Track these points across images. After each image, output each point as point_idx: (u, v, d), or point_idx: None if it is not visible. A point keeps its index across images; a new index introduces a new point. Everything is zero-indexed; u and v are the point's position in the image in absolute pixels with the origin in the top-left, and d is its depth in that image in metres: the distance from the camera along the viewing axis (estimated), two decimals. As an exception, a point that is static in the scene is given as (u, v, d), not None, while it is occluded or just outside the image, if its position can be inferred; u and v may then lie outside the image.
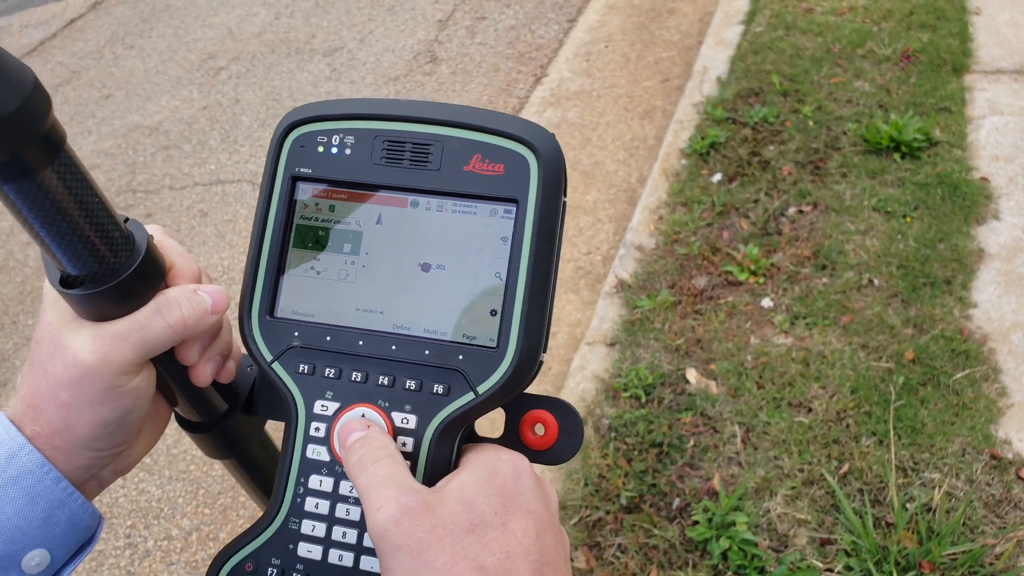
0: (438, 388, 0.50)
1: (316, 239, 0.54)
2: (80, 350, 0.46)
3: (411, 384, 0.50)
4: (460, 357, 0.50)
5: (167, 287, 0.50)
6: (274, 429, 0.61)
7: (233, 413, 0.59)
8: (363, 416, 0.50)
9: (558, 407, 0.53)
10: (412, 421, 0.50)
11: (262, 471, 0.65)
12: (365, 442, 0.47)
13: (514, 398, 0.53)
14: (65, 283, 0.46)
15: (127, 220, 0.49)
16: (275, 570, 0.51)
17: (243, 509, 2.28)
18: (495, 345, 0.50)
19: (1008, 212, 2.34)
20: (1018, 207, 2.34)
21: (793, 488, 1.83)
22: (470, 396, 0.50)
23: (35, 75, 0.39)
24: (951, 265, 2.21)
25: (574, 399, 2.27)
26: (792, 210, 2.51)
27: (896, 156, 2.54)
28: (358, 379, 0.51)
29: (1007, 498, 1.74)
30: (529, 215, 0.50)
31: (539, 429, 0.53)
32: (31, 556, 0.48)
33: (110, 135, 4.26)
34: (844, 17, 3.32)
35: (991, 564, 1.63)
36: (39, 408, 0.48)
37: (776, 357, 2.12)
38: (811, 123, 2.79)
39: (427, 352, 0.51)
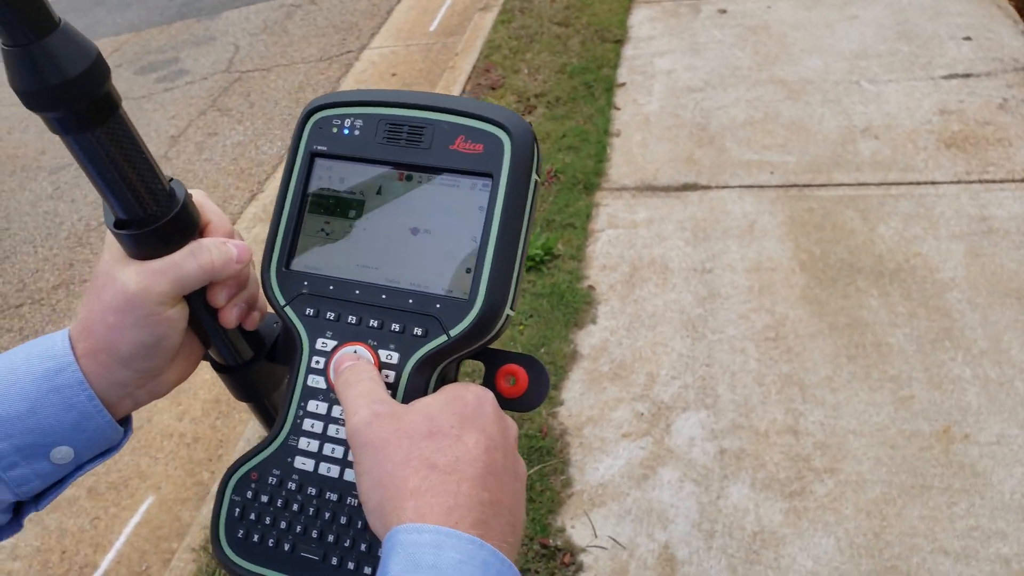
0: (417, 331, 0.59)
1: (327, 206, 0.63)
2: (126, 281, 0.55)
3: (396, 327, 0.59)
4: (437, 306, 0.59)
5: (201, 237, 0.59)
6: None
7: (257, 360, 0.67)
8: (355, 352, 0.59)
9: (528, 362, 0.61)
10: (395, 357, 0.59)
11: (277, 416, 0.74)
12: (353, 368, 0.57)
13: (491, 354, 0.62)
14: (118, 225, 0.56)
15: (171, 179, 0.58)
16: (274, 479, 0.60)
17: None
18: (467, 297, 0.58)
19: (603, 316, 2.66)
20: (612, 311, 2.67)
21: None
22: (443, 338, 0.58)
23: (98, 48, 0.48)
24: (549, 368, 2.47)
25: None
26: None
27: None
28: (353, 321, 0.60)
29: (550, 584, 1.94)
30: (501, 188, 0.58)
31: (511, 380, 0.61)
32: (59, 450, 0.57)
33: None
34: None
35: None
36: (91, 329, 0.57)
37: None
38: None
39: (411, 301, 0.59)
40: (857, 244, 2.82)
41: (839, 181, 3.14)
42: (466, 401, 0.53)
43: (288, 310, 0.62)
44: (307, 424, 0.60)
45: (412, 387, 0.58)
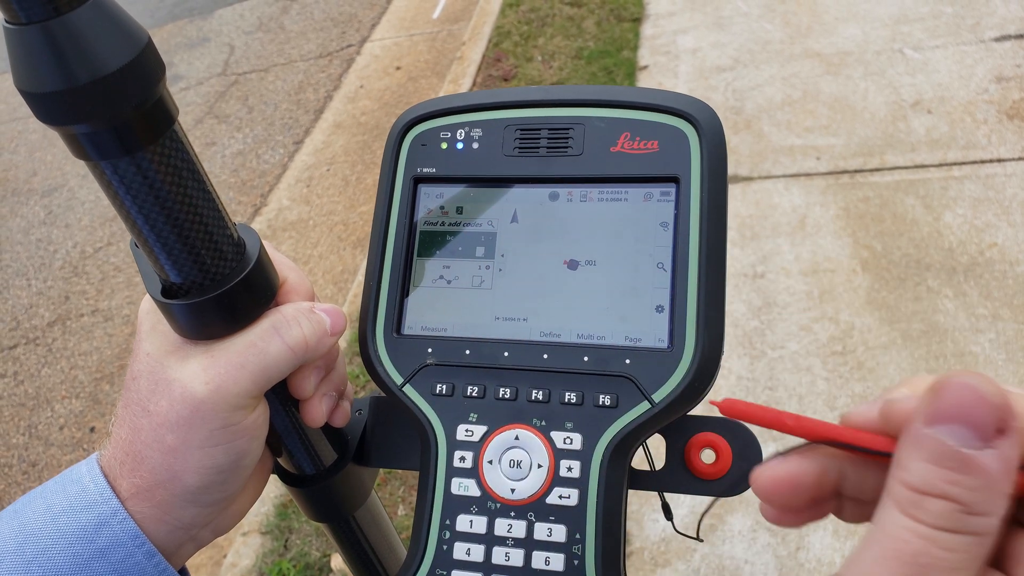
0: (604, 399, 0.44)
1: (444, 245, 0.49)
2: (190, 382, 0.41)
3: (571, 397, 0.45)
4: (627, 361, 0.45)
5: (277, 305, 0.45)
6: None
7: (343, 463, 0.52)
8: (516, 439, 0.45)
9: (728, 428, 0.47)
10: (577, 441, 0.44)
11: (369, 540, 0.57)
12: None
13: (675, 420, 0.47)
14: (168, 293, 0.41)
15: (237, 224, 0.43)
16: None
17: None
18: (667, 345, 0.44)
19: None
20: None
21: None
22: (645, 406, 0.44)
23: (149, 35, 0.34)
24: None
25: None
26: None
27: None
28: (507, 396, 0.46)
29: None
30: (693, 195, 0.45)
31: (708, 455, 0.47)
32: None
33: None
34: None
35: None
36: (140, 456, 0.41)
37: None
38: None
39: (586, 359, 0.45)
40: (922, 236, 2.54)
41: (893, 164, 2.85)
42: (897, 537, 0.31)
43: (409, 391, 0.47)
44: (459, 551, 0.45)
45: (608, 483, 0.43)
